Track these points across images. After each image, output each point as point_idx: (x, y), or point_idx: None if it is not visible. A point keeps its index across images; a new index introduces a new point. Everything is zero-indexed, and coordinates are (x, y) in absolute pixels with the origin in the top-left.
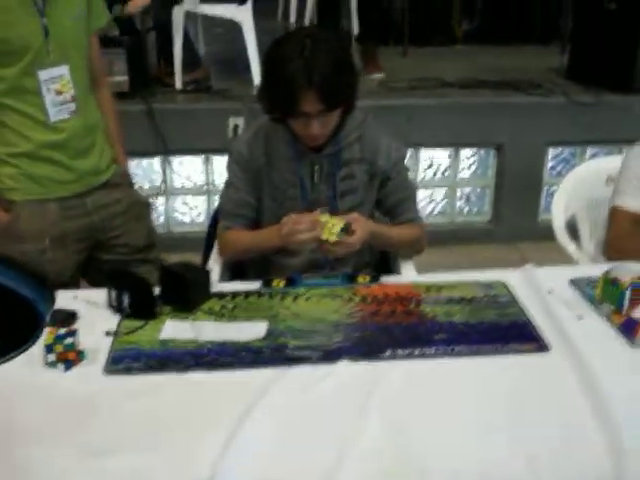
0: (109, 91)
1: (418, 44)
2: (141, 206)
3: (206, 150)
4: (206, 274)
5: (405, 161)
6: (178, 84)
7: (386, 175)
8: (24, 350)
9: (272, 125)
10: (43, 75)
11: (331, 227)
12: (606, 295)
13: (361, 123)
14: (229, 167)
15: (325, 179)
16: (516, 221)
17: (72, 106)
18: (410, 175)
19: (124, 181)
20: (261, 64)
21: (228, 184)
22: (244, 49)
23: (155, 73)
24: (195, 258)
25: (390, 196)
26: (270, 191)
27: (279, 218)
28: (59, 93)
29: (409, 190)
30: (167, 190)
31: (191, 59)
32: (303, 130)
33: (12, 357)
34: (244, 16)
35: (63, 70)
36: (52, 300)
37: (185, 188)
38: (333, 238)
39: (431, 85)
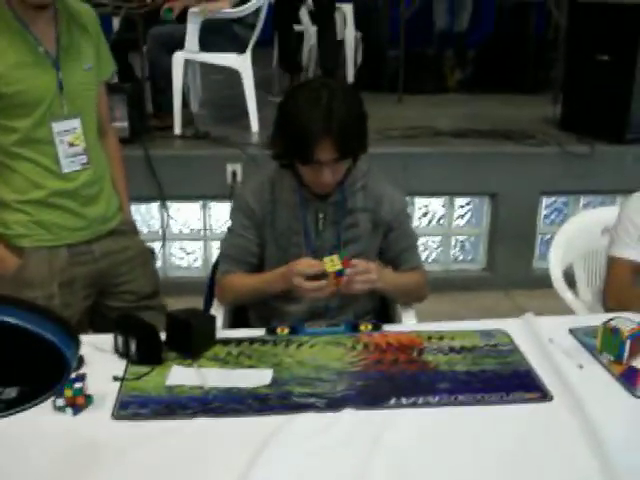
0: (116, 138)
1: (412, 92)
2: (146, 253)
3: (203, 196)
4: (211, 320)
5: (406, 211)
6: (177, 130)
7: (389, 226)
8: (50, 396)
9: (278, 173)
10: (57, 127)
11: (332, 259)
12: (606, 345)
13: (365, 173)
14: (233, 214)
15: (330, 227)
16: (510, 269)
17: (84, 158)
18: (412, 224)
19: (129, 229)
20: (278, 111)
21: (231, 231)
22: (242, 96)
23: (153, 119)
24: (192, 302)
25: (393, 246)
26: (274, 238)
27: (283, 265)
28: (71, 145)
29: (411, 239)
30: (165, 235)
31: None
32: (314, 177)
33: (39, 402)
34: (243, 65)
35: (76, 123)
36: (77, 345)
37: (182, 234)
38: (337, 267)
39: (425, 133)
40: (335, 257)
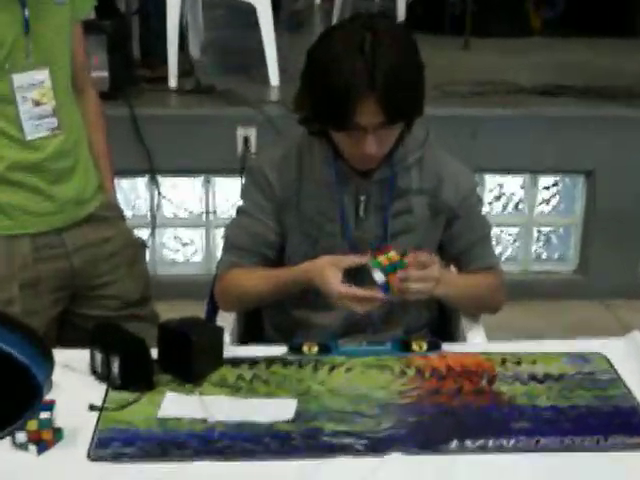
0: (96, 96)
1: (483, 34)
2: (134, 246)
3: (206, 170)
4: (217, 334)
5: (476, 193)
6: (172, 82)
7: (453, 213)
8: (12, 430)
9: (307, 141)
10: (18, 80)
11: (383, 263)
12: None
13: (422, 143)
14: (246, 192)
15: (374, 213)
16: (611, 272)
17: (53, 121)
18: (482, 210)
19: (113, 214)
20: (307, 59)
21: (242, 212)
22: (257, 39)
23: (141, 68)
24: (192, 310)
25: (459, 239)
26: (300, 225)
27: (309, 259)
28: (37, 104)
29: (483, 230)
30: (155, 221)
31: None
32: (354, 148)
33: (2, 436)
34: None
35: (43, 75)
36: (51, 364)
37: (178, 218)
38: (380, 275)
39: (501, 90)
40: (393, 253)
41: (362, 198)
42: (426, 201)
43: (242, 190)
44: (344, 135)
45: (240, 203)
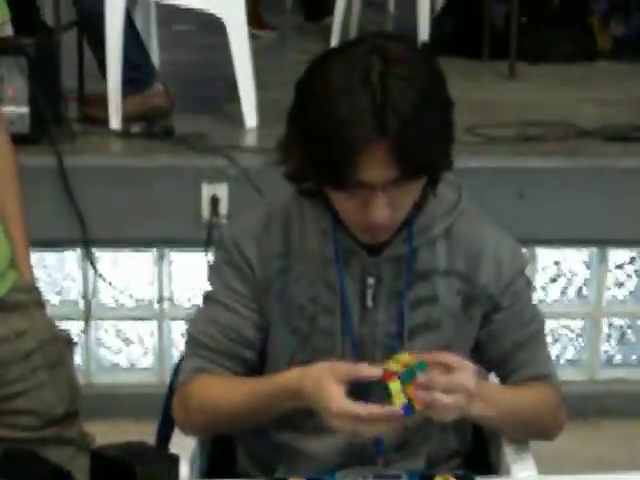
0: (7, 142)
1: (534, 59)
2: (58, 345)
3: (160, 242)
4: (171, 465)
5: (525, 276)
6: (114, 122)
7: (493, 303)
8: None
9: (297, 205)
10: None
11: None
12: None
13: (451, 208)
14: (216, 272)
15: (385, 302)
16: None
17: None
18: (533, 298)
19: (29, 300)
20: (296, 94)
21: (211, 300)
22: (228, 63)
23: (75, 102)
24: (138, 432)
25: (501, 338)
26: (287, 318)
27: (298, 363)
28: None
29: (533, 325)
30: (89, 310)
31: (140, 74)
32: (359, 214)
33: None
34: (231, 8)
35: None
36: None
37: (121, 307)
38: (401, 400)
39: (557, 134)
40: (407, 355)
41: (370, 281)
42: (457, 286)
43: (210, 270)
44: (346, 196)
45: (208, 288)
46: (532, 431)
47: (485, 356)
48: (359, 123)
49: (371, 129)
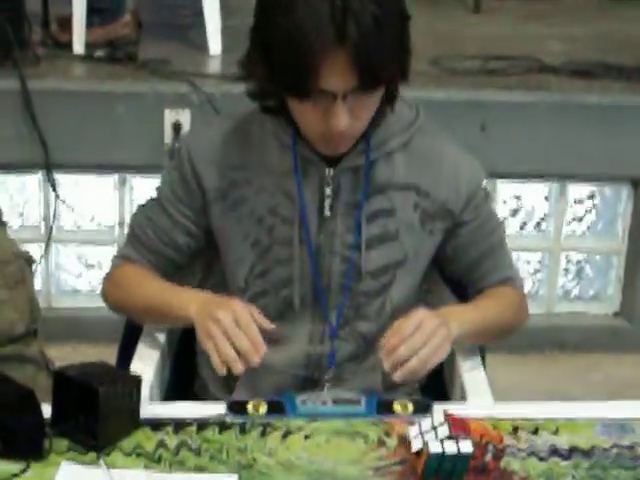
0: None
1: None
2: (18, 264)
3: (122, 166)
4: (132, 385)
5: (484, 189)
6: (78, 46)
7: (455, 219)
8: None
9: (257, 118)
10: None
11: None
12: None
13: (410, 124)
14: (166, 175)
15: (343, 212)
16: None
17: None
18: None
19: None
20: (256, 9)
21: (155, 200)
22: None
23: (41, 25)
24: (94, 353)
25: (467, 250)
26: (244, 229)
27: (257, 274)
28: None
29: (496, 234)
30: (50, 233)
31: (108, 3)
32: (319, 123)
33: None
34: None
35: None
36: None
37: (82, 231)
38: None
39: (521, 68)
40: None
41: (328, 191)
42: (414, 200)
43: (163, 171)
44: (308, 107)
45: (158, 185)
46: (496, 336)
47: (451, 267)
48: (318, 30)
49: (330, 36)
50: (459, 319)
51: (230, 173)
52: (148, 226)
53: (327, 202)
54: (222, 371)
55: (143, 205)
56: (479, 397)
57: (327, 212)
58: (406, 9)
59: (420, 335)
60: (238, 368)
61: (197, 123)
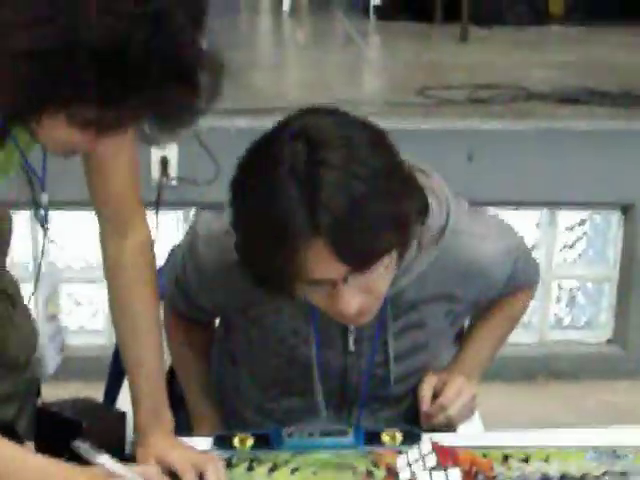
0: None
1: (485, 22)
2: (10, 287)
3: None
4: (118, 421)
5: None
6: None
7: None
8: None
9: None
10: None
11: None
12: None
13: (439, 232)
14: (186, 267)
15: (370, 334)
16: None
17: None
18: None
19: None
20: (231, 193)
21: (179, 286)
22: None
23: None
24: (84, 389)
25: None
26: (268, 342)
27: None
28: None
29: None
30: (39, 271)
31: None
32: (330, 306)
33: None
34: None
35: None
36: None
37: (70, 269)
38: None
39: (508, 96)
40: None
41: (351, 328)
42: (445, 308)
43: (181, 261)
44: (310, 292)
45: (177, 268)
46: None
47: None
48: (291, 221)
49: (303, 227)
50: (478, 367)
51: (247, 292)
52: (182, 301)
53: (351, 338)
54: None
55: (171, 267)
56: (470, 425)
57: (351, 347)
58: (402, 166)
59: (457, 405)
60: None
61: (188, 170)
